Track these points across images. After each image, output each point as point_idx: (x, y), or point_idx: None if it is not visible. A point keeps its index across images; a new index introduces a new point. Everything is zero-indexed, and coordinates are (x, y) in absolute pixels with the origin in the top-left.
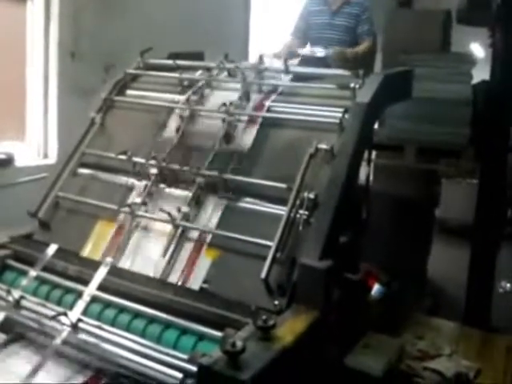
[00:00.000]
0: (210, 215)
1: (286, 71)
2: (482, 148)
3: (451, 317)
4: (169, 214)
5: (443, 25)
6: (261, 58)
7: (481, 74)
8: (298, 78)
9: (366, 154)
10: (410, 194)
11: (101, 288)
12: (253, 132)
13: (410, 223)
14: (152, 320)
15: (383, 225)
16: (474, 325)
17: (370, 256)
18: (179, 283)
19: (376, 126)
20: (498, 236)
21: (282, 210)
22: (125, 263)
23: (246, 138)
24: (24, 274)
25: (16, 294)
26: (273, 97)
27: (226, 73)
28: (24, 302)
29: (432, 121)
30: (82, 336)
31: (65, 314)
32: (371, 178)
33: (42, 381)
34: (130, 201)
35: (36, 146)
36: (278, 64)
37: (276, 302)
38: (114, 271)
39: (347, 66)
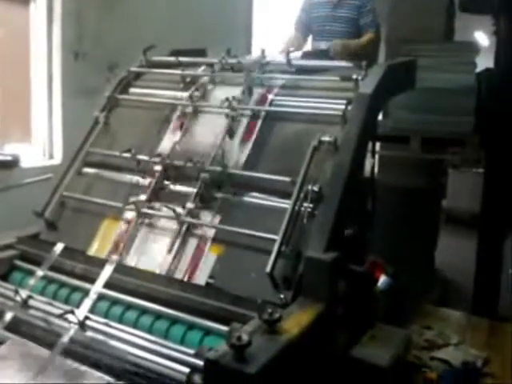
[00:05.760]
0: (215, 211)
1: (289, 65)
2: (486, 136)
3: (459, 306)
4: (174, 210)
5: (447, 13)
6: (263, 52)
7: (485, 62)
8: (300, 71)
9: (370, 146)
10: (416, 184)
11: (107, 286)
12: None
13: (417, 214)
14: (159, 316)
15: (390, 216)
16: (482, 314)
17: (377, 247)
18: (185, 279)
19: (380, 117)
20: (505, 225)
21: (286, 204)
22: (131, 260)
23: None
24: (31, 273)
25: (24, 293)
26: (275, 90)
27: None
28: (32, 302)
29: (436, 110)
30: (90, 333)
31: (72, 312)
32: (376, 169)
33: (49, 379)
34: (135, 198)
35: (41, 146)
36: (281, 58)
37: (281, 296)
38: (121, 269)
39: (350, 57)
